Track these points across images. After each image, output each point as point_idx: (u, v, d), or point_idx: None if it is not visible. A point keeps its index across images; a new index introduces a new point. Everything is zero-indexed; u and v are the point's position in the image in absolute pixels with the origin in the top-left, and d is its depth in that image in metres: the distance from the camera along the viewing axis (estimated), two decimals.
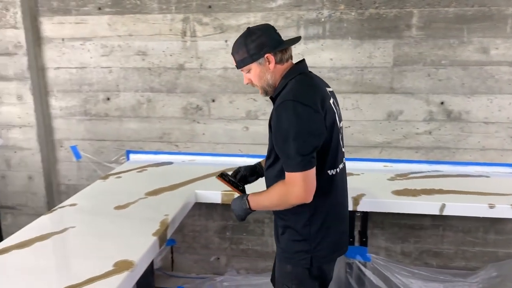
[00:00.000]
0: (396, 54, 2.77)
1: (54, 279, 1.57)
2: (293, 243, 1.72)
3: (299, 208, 1.63)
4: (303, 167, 1.51)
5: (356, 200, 2.34)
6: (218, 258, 3.33)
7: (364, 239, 2.71)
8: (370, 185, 2.56)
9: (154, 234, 1.89)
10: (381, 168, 2.92)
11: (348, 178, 2.66)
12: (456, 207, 2.30)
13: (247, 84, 1.73)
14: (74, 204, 2.28)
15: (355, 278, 2.72)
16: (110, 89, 3.12)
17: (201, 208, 3.24)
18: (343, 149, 1.77)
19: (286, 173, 1.56)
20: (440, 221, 2.98)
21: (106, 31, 3.02)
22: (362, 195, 2.37)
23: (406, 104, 2.85)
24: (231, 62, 1.87)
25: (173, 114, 3.11)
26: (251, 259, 3.27)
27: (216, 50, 2.92)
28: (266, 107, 2.97)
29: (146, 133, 3.17)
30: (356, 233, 2.78)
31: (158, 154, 3.19)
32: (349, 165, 2.88)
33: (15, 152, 3.26)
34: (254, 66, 1.65)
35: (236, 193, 1.87)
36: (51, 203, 3.36)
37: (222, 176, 1.86)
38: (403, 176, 2.75)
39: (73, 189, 3.33)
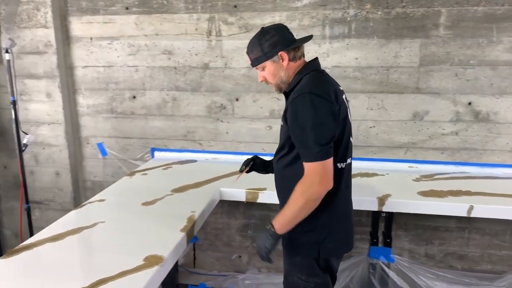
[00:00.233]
0: (423, 54, 2.74)
1: (86, 272, 1.61)
2: (302, 234, 1.75)
3: None
4: (322, 157, 1.55)
5: (382, 201, 2.32)
6: (240, 256, 3.35)
7: (388, 240, 2.68)
8: (396, 185, 2.54)
9: (182, 230, 1.92)
10: (406, 168, 2.89)
11: (373, 179, 2.71)
12: (484, 209, 2.27)
13: (261, 81, 1.79)
14: (102, 200, 2.33)
15: (378, 279, 2.70)
16: (136, 87, 3.17)
17: (223, 206, 3.27)
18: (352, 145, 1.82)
19: (306, 165, 1.59)
20: (466, 223, 2.93)
21: (133, 31, 3.07)
22: (388, 195, 2.35)
23: (432, 104, 2.81)
24: None
25: (197, 112, 3.15)
26: (272, 258, 3.27)
27: (240, 49, 2.94)
28: None
29: (171, 131, 3.21)
30: (379, 234, 2.76)
31: (181, 152, 3.22)
32: (374, 165, 2.92)
33: (43, 148, 3.34)
34: (268, 64, 1.71)
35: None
36: (77, 199, 3.44)
37: (243, 171, 2.02)
38: (429, 177, 2.72)
39: (99, 186, 3.41)
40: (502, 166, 2.80)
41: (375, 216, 2.75)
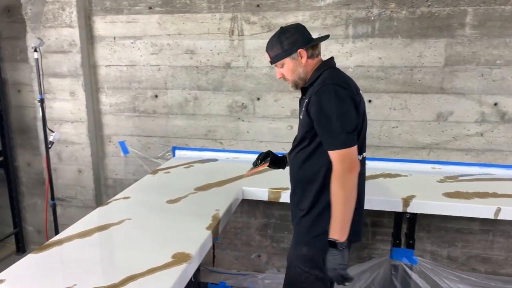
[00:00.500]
0: (448, 54, 2.71)
1: (115, 268, 1.63)
2: (314, 225, 1.79)
3: (325, 189, 1.71)
4: (349, 143, 1.62)
5: (406, 201, 2.30)
6: (259, 256, 3.36)
7: (411, 242, 2.65)
8: (419, 186, 2.52)
9: (207, 228, 1.93)
10: (429, 169, 2.86)
11: (396, 179, 2.69)
12: None
13: (279, 78, 1.86)
14: (127, 197, 2.35)
15: (400, 281, 2.68)
16: (159, 86, 3.20)
17: (243, 205, 3.27)
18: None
19: (333, 153, 1.63)
20: (490, 225, 2.89)
21: (156, 30, 3.09)
22: (412, 196, 2.33)
23: (456, 104, 2.78)
24: None
25: (219, 112, 3.16)
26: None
27: (262, 48, 2.94)
28: None
29: (192, 130, 3.23)
30: (402, 235, 2.73)
31: (202, 151, 3.24)
32: (396, 166, 2.90)
33: (66, 146, 3.39)
34: (287, 61, 1.78)
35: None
36: (98, 197, 3.49)
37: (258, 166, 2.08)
38: (453, 178, 2.68)
39: (120, 183, 3.44)
40: None
41: (398, 217, 2.73)
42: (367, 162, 1.95)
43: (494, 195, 2.38)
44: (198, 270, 2.53)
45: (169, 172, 2.85)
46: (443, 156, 2.87)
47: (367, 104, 2.64)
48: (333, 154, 1.64)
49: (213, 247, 3.41)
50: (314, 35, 1.82)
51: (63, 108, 3.32)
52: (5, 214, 3.81)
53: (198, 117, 3.20)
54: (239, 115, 3.14)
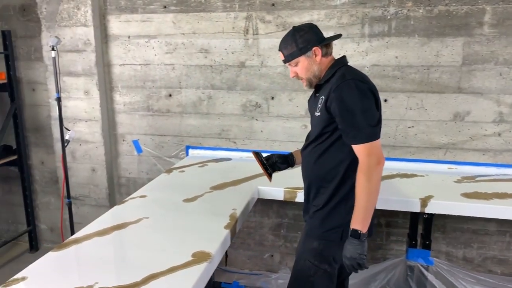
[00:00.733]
0: (466, 53, 2.68)
1: (136, 266, 1.61)
2: (328, 219, 1.81)
3: (342, 185, 1.75)
4: (375, 137, 1.65)
5: (424, 202, 2.27)
6: (272, 256, 3.34)
7: (427, 242, 2.63)
8: (437, 187, 2.49)
9: (226, 227, 1.92)
10: (446, 170, 2.83)
11: (412, 179, 2.66)
12: None
13: (293, 77, 1.87)
14: (143, 196, 2.35)
15: (416, 282, 2.65)
16: (173, 85, 3.20)
17: (257, 205, 3.26)
18: None
19: (358, 147, 1.65)
20: (507, 227, 2.85)
21: (170, 29, 3.09)
22: (430, 196, 2.30)
23: (474, 104, 2.75)
24: None
25: (232, 111, 3.15)
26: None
27: (277, 47, 2.87)
28: None
29: (206, 129, 3.22)
30: (418, 236, 2.71)
31: (216, 150, 3.24)
32: (412, 166, 2.87)
33: (80, 145, 3.40)
34: (302, 59, 1.79)
35: (265, 175, 2.06)
36: (112, 195, 3.49)
37: (258, 154, 2.08)
38: (470, 178, 2.65)
39: (133, 182, 3.45)
40: None
41: (414, 217, 2.71)
42: None
43: None
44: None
45: (183, 171, 2.85)
46: (460, 157, 2.84)
47: (383, 103, 2.62)
48: (359, 148, 1.65)
49: None
50: (330, 34, 1.84)
51: (77, 107, 3.32)
52: (18, 212, 3.83)
53: (212, 116, 3.19)
54: (253, 114, 3.13)
